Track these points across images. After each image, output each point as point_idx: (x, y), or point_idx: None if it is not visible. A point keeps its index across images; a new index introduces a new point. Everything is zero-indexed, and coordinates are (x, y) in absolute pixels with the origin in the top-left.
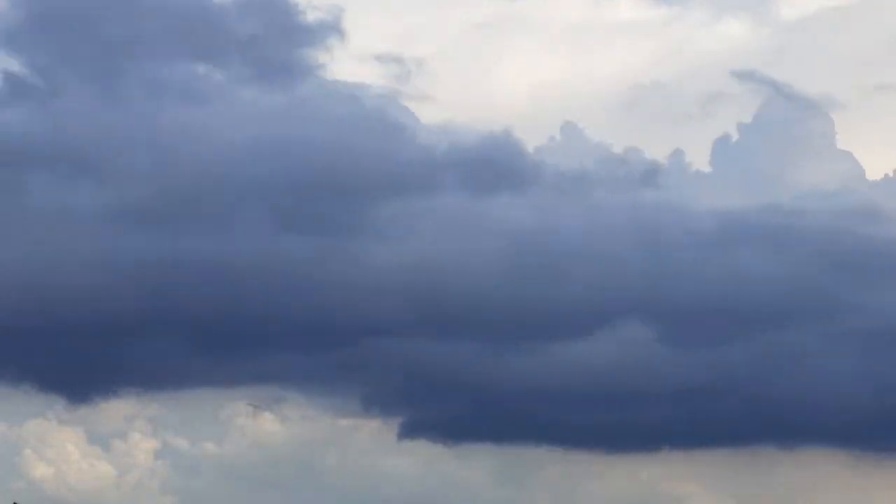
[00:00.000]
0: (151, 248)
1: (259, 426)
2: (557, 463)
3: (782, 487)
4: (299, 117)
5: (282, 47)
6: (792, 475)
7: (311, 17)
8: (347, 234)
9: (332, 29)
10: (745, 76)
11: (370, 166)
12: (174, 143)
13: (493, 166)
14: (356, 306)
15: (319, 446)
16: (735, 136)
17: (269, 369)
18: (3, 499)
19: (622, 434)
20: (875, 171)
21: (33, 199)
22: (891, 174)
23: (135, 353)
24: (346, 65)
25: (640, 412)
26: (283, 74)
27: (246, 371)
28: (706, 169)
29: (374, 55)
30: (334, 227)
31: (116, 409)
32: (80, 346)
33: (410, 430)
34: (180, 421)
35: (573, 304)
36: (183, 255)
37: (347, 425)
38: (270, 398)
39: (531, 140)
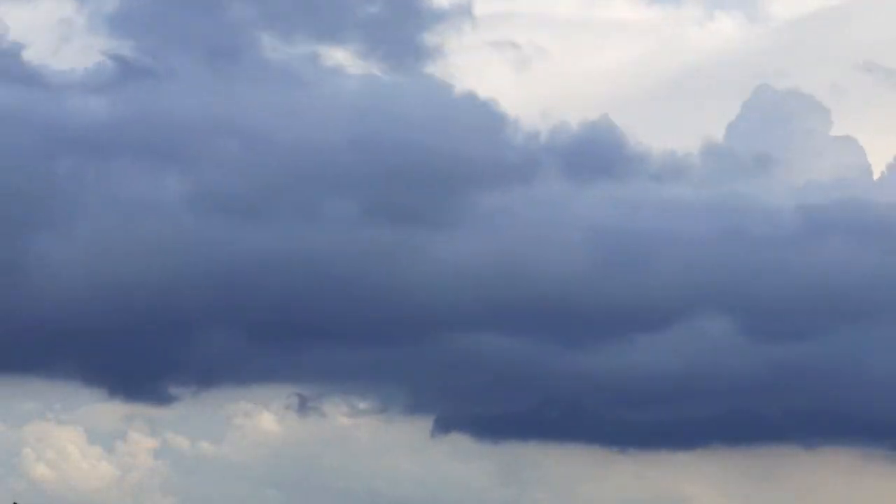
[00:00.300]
0: (229, 239)
1: (260, 426)
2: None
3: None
4: (402, 103)
5: (402, 31)
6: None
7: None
8: (434, 225)
9: (458, 14)
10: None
11: (465, 155)
12: (270, 128)
13: (584, 156)
14: (429, 300)
15: (321, 444)
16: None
17: (323, 364)
18: (3, 499)
19: (655, 432)
20: None
21: (118, 187)
22: None
23: (195, 348)
24: (465, 51)
25: (691, 410)
26: (397, 59)
27: (301, 366)
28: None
29: (490, 42)
30: (422, 218)
31: (116, 409)
32: (144, 341)
33: (444, 429)
34: (180, 421)
35: (642, 300)
36: (263, 247)
37: (373, 423)
38: (316, 393)
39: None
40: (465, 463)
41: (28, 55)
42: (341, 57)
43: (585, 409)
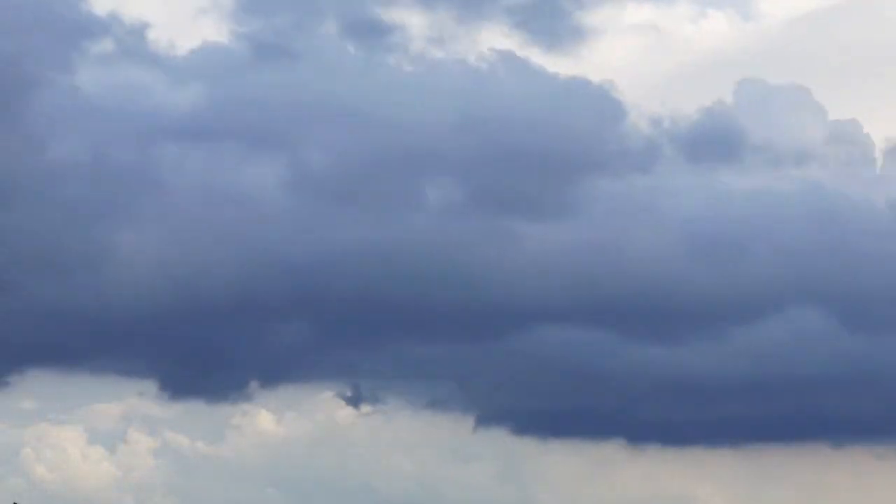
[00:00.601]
0: (325, 227)
1: (260, 426)
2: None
3: None
4: (513, 86)
5: (554, 11)
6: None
7: None
8: (537, 214)
9: None
10: None
11: (580, 143)
12: (376, 111)
13: (701, 144)
14: (516, 294)
15: (321, 444)
16: None
17: (391, 357)
18: (4, 499)
19: (689, 431)
20: None
21: (214, 173)
22: None
23: (263, 342)
24: (610, 33)
25: (743, 407)
26: (539, 40)
27: (367, 360)
28: None
29: (633, 25)
30: (525, 207)
31: (117, 409)
32: (216, 333)
33: (485, 424)
34: (180, 421)
35: (727, 294)
36: (357, 236)
37: (380, 421)
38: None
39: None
40: (466, 462)
41: (152, 35)
42: (478, 37)
43: (633, 408)
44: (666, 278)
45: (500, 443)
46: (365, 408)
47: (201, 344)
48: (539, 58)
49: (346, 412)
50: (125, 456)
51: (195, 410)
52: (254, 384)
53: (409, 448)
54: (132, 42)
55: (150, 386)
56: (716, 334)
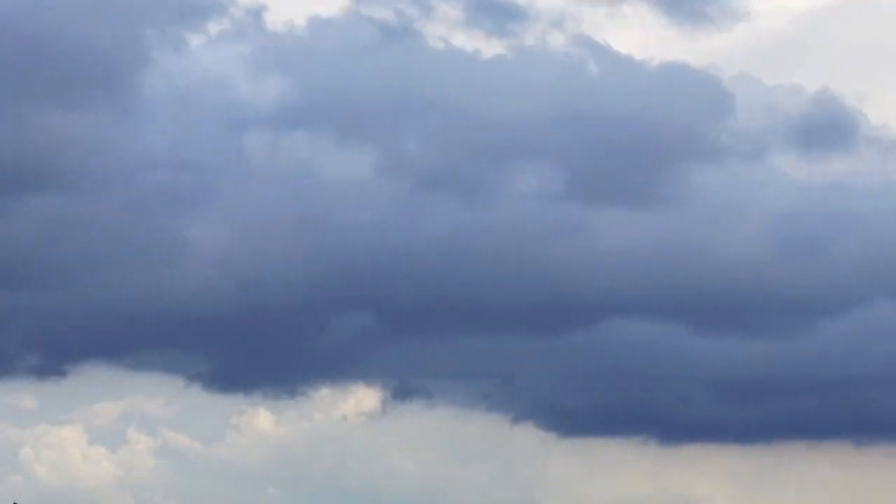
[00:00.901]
0: (417, 216)
1: (259, 426)
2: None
3: None
4: (625, 75)
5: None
6: None
7: None
8: (630, 204)
9: None
10: None
11: (684, 132)
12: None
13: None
14: (588, 286)
15: (321, 444)
16: None
17: (448, 352)
18: (3, 498)
19: (730, 428)
20: None
21: (306, 162)
22: None
23: (315, 338)
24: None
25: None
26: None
27: (423, 355)
28: None
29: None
30: (619, 197)
31: (117, 408)
32: (278, 327)
33: (521, 421)
34: (180, 420)
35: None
36: (442, 227)
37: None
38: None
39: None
40: (466, 463)
41: (269, 17)
42: (617, 11)
43: (672, 406)
44: (750, 273)
45: (508, 441)
46: (415, 403)
47: (261, 338)
48: (674, 37)
49: (350, 412)
50: (125, 456)
51: (195, 410)
52: (310, 379)
53: (413, 448)
54: (249, 22)
55: (202, 378)
56: (790, 331)
